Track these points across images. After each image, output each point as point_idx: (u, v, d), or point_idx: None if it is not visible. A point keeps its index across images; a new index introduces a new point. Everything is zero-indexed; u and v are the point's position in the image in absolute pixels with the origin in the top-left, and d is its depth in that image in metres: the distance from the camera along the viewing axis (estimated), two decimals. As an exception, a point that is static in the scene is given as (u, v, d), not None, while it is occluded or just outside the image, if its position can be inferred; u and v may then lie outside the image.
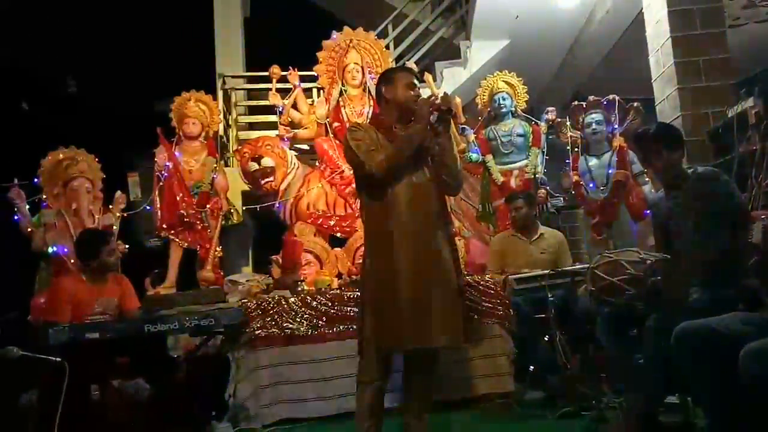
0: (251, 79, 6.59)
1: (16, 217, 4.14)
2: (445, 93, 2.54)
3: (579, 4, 5.56)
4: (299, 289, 3.60)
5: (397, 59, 6.34)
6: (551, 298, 3.19)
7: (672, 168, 2.56)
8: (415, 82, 2.49)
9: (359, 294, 2.57)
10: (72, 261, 3.88)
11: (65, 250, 4.01)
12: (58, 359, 2.33)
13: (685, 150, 2.64)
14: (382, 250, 2.34)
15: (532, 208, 4.02)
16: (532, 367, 3.37)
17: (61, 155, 4.28)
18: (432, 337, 2.27)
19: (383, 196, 2.35)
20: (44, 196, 4.23)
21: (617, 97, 4.40)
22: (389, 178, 2.33)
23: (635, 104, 4.41)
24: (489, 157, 4.73)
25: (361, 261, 2.66)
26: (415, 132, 2.34)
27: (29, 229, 4.11)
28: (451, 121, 2.46)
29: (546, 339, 3.35)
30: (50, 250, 4.04)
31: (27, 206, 4.16)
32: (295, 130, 4.63)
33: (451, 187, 2.50)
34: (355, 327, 3.06)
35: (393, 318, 2.25)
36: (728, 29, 4.24)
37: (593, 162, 4.38)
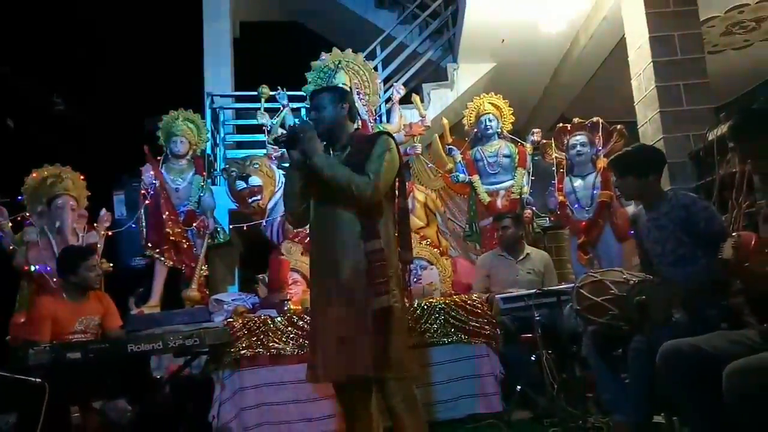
0: (240, 99, 6.61)
1: (-2, 236, 4.09)
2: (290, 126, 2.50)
3: (563, 30, 5.68)
4: (286, 308, 3.57)
5: (385, 80, 6.40)
6: (538, 318, 3.20)
7: (642, 194, 2.62)
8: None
9: None
10: (54, 280, 3.82)
11: (48, 268, 3.95)
12: (38, 380, 2.28)
13: (657, 172, 2.63)
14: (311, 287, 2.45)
15: (519, 229, 4.05)
16: (519, 387, 3.36)
17: (45, 173, 4.25)
18: (350, 365, 2.16)
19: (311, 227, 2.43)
20: (27, 214, 4.18)
21: (601, 120, 4.49)
22: (298, 224, 2.61)
23: (618, 127, 4.49)
24: (475, 178, 4.77)
25: None
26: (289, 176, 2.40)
27: (11, 247, 4.05)
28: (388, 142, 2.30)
29: (533, 358, 3.35)
30: (32, 268, 3.98)
31: (9, 224, 4.11)
32: (283, 150, 4.64)
33: (354, 199, 2.21)
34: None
35: (308, 352, 2.31)
36: (707, 55, 4.36)
37: (578, 183, 4.44)
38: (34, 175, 4.26)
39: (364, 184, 2.20)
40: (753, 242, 2.01)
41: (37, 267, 3.98)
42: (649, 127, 4.28)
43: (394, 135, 2.49)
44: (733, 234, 2.09)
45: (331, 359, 2.19)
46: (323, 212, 2.33)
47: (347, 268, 2.22)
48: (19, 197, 4.23)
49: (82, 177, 4.35)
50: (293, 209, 2.40)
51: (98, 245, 4.19)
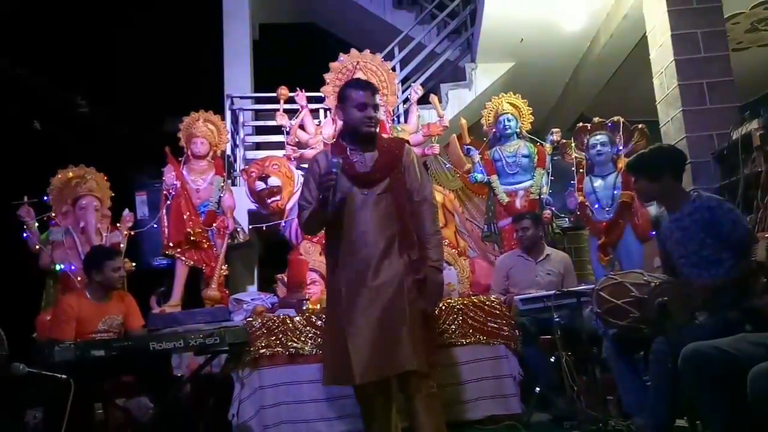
0: (259, 100, 6.67)
1: (24, 235, 4.18)
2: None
3: (583, 28, 5.63)
4: (304, 308, 3.60)
5: (403, 81, 6.41)
6: (557, 319, 3.18)
7: (658, 196, 2.59)
8: (367, 101, 2.34)
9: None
10: (79, 279, 3.90)
11: (73, 267, 4.04)
12: (64, 376, 2.33)
13: (673, 174, 2.55)
14: (329, 287, 2.43)
15: (539, 229, 4.02)
16: (538, 389, 3.34)
17: (70, 173, 4.34)
18: (385, 366, 2.21)
19: (336, 229, 2.37)
20: (53, 214, 4.27)
21: (621, 119, 4.43)
22: (313, 232, 2.59)
23: (640, 126, 4.43)
24: (494, 178, 4.75)
25: None
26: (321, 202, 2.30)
27: (37, 247, 4.15)
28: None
29: (552, 360, 3.33)
30: (57, 267, 4.07)
31: (36, 224, 4.21)
32: (302, 150, 4.68)
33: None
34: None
35: (345, 355, 2.21)
36: (731, 52, 4.28)
37: (598, 183, 4.39)
38: (59, 176, 4.36)
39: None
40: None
41: (63, 266, 4.06)
42: (672, 127, 4.22)
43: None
44: (766, 235, 2.05)
45: (370, 359, 2.19)
46: (360, 217, 2.33)
47: (385, 269, 2.28)
48: (45, 197, 4.32)
49: (105, 178, 4.44)
50: (314, 234, 2.47)
51: (121, 245, 4.27)
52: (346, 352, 2.20)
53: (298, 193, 4.51)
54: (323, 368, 2.44)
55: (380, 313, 2.23)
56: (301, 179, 4.62)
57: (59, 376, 2.32)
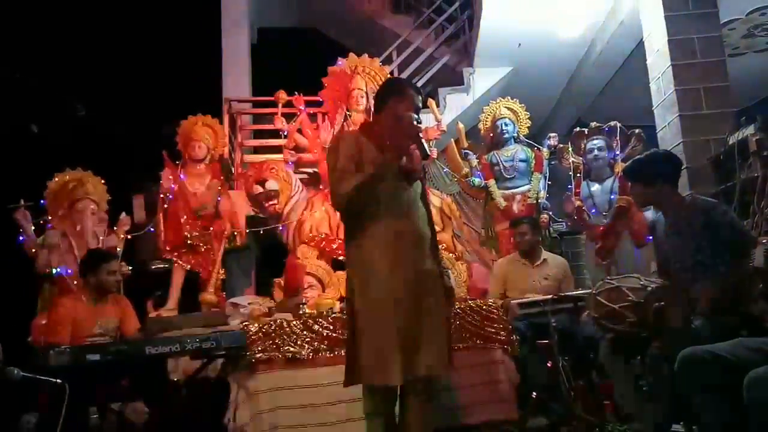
0: (257, 104, 6.68)
1: (21, 238, 4.17)
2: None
3: (580, 34, 5.65)
4: (301, 312, 3.59)
5: (401, 85, 6.40)
6: (554, 324, 3.18)
7: (654, 201, 2.59)
8: (418, 106, 2.43)
9: (348, 323, 2.45)
10: (75, 282, 3.89)
11: (69, 271, 4.02)
12: (59, 381, 2.32)
13: (667, 179, 2.55)
14: (371, 279, 2.27)
15: (537, 234, 4.03)
16: (535, 394, 3.33)
17: (67, 177, 4.33)
18: (420, 365, 2.22)
19: (366, 223, 2.29)
20: (49, 218, 4.26)
21: (618, 124, 4.45)
22: (357, 207, 2.29)
23: (637, 131, 4.45)
24: (492, 182, 4.76)
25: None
26: (382, 170, 2.26)
27: (33, 250, 4.13)
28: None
29: (549, 365, 3.32)
30: (54, 271, 4.05)
31: (32, 227, 4.19)
32: (300, 154, 4.68)
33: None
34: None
35: (382, 351, 2.19)
36: (728, 58, 4.30)
37: (595, 188, 4.40)
38: (56, 179, 4.35)
39: None
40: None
41: (59, 269, 4.05)
42: (668, 132, 4.23)
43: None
44: (764, 241, 2.06)
45: (412, 358, 2.21)
46: (409, 211, 2.36)
47: (427, 270, 2.34)
48: (42, 201, 4.31)
49: (102, 181, 4.43)
50: (353, 211, 2.34)
51: (118, 249, 4.25)
52: (390, 349, 2.19)
53: (296, 196, 4.55)
54: (354, 365, 2.29)
55: (424, 314, 2.28)
56: (299, 183, 4.64)
57: (54, 380, 2.31)
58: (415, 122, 2.35)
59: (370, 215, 2.30)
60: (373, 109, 2.55)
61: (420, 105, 2.46)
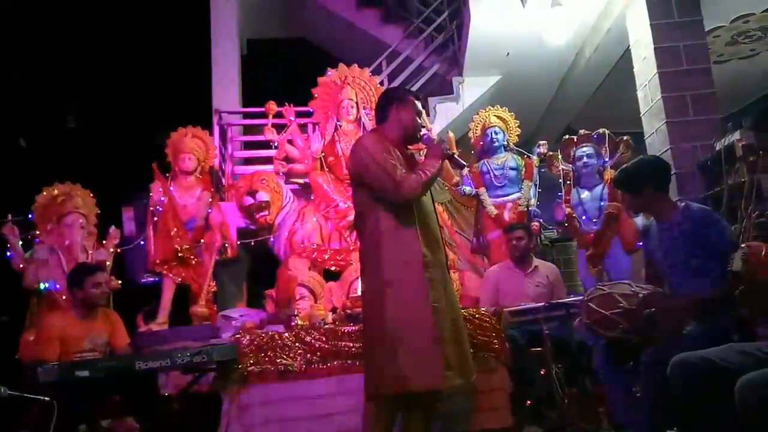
0: (247, 115, 6.67)
1: (8, 254, 4.12)
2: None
3: (568, 42, 5.70)
4: (293, 323, 3.57)
5: (391, 95, 6.42)
6: (547, 331, 3.18)
7: (643, 208, 2.62)
8: (421, 109, 2.52)
9: (368, 329, 2.36)
10: (64, 297, 3.84)
11: (57, 286, 3.98)
12: (47, 398, 2.28)
13: (654, 186, 2.56)
14: (414, 281, 2.20)
15: (531, 240, 4.04)
16: (528, 401, 3.32)
17: (56, 191, 4.30)
18: (471, 371, 2.33)
19: (412, 221, 2.27)
20: (37, 232, 4.22)
21: (607, 131, 4.48)
22: (423, 193, 2.32)
23: (625, 138, 4.48)
24: (482, 190, 4.77)
25: (366, 293, 2.41)
26: (437, 167, 2.34)
27: (21, 266, 4.09)
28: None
29: (542, 372, 3.32)
30: (42, 286, 4.00)
31: (20, 242, 4.15)
32: (291, 165, 4.68)
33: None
34: (351, 362, 3.06)
35: (435, 356, 2.18)
36: (713, 65, 4.35)
37: (585, 195, 4.42)
38: (45, 193, 4.31)
39: None
40: (763, 253, 1.99)
41: (47, 284, 4.00)
42: (656, 138, 4.26)
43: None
44: (742, 245, 2.07)
45: (453, 365, 2.26)
46: (435, 218, 2.45)
47: (450, 277, 2.46)
48: (30, 216, 4.27)
49: (91, 195, 4.39)
50: (420, 196, 2.32)
51: (107, 262, 4.21)
52: (437, 355, 2.20)
53: (287, 207, 4.53)
54: (382, 374, 2.21)
55: (459, 321, 2.36)
56: (290, 194, 4.62)
57: (42, 398, 2.27)
58: (422, 128, 2.46)
59: (410, 217, 2.29)
60: (375, 120, 2.53)
61: (422, 109, 2.51)
